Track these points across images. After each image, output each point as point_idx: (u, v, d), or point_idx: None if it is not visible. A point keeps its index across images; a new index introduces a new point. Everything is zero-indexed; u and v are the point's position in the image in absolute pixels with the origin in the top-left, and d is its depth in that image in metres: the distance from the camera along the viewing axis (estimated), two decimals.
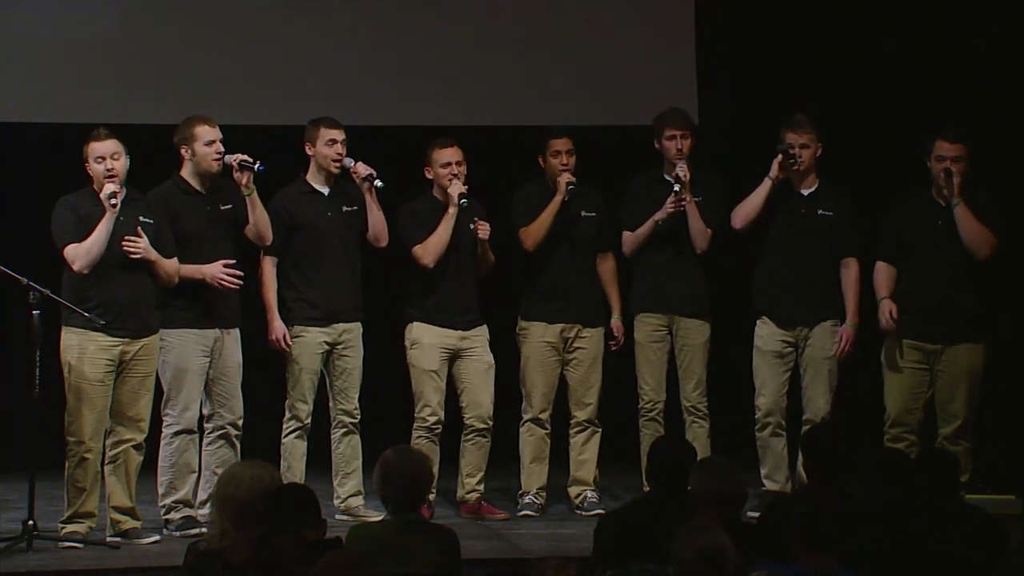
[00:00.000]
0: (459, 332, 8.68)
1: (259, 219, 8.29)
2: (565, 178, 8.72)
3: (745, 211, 8.69)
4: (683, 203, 8.70)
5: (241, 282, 8.19)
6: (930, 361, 8.44)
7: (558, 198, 8.74)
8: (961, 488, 6.01)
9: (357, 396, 8.58)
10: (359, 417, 8.58)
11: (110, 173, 7.79)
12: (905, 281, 8.51)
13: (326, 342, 8.51)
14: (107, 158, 7.82)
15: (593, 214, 8.87)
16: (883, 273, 8.55)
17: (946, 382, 8.41)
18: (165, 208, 8.08)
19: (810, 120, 8.67)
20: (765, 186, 8.63)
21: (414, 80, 10.12)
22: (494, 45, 10.26)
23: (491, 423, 8.72)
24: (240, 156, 8.17)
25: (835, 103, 9.92)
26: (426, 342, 8.65)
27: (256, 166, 8.17)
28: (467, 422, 8.72)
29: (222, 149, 8.15)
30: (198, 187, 8.20)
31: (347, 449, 8.56)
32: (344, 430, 8.56)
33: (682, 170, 8.69)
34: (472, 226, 8.68)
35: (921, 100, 10.04)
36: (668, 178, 8.79)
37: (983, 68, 10.08)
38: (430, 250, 8.60)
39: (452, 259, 8.66)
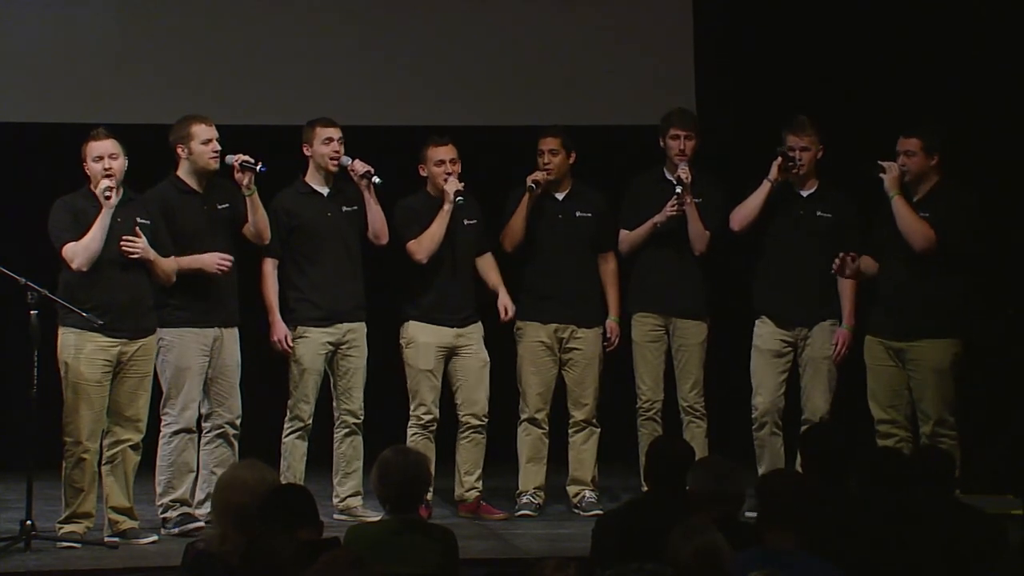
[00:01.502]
0: (455, 330, 8.69)
1: (259, 219, 8.29)
2: (531, 177, 8.73)
3: (743, 213, 8.69)
4: (683, 207, 8.70)
5: (231, 261, 8.16)
6: (899, 358, 8.42)
7: (525, 197, 8.75)
8: (956, 487, 5.99)
9: (361, 396, 8.58)
10: (363, 417, 8.58)
11: (107, 172, 7.79)
12: (879, 279, 8.53)
13: (329, 342, 8.51)
14: (105, 157, 7.82)
15: (589, 215, 8.87)
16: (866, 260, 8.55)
17: (917, 380, 8.40)
18: (162, 208, 8.09)
19: (811, 122, 8.66)
20: (764, 189, 8.64)
21: (413, 80, 10.11)
22: (493, 45, 10.26)
23: (486, 420, 8.73)
24: (242, 156, 8.17)
25: (834, 104, 9.91)
26: (422, 341, 8.65)
27: (258, 167, 8.17)
28: (462, 419, 8.73)
29: (219, 148, 8.15)
30: (195, 186, 8.20)
31: (349, 449, 8.56)
32: (347, 430, 8.56)
33: (684, 172, 8.69)
34: (466, 223, 8.68)
35: (921, 100, 10.04)
36: (669, 177, 8.80)
37: (982, 68, 10.09)
38: (424, 246, 8.61)
39: (448, 257, 8.67)
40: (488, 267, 8.85)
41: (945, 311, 8.34)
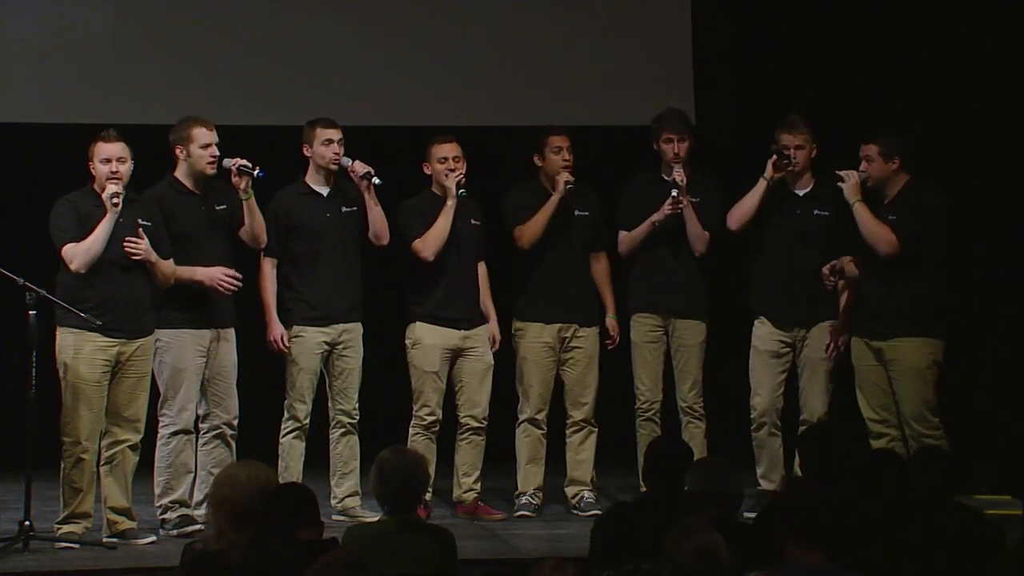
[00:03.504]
0: (461, 332, 8.68)
1: (255, 224, 8.28)
2: (564, 177, 8.71)
3: (740, 212, 8.70)
4: (680, 207, 8.70)
5: (240, 284, 8.18)
6: (881, 358, 8.43)
7: (556, 197, 8.73)
8: (956, 488, 5.99)
9: (356, 396, 8.58)
10: (358, 417, 8.58)
11: (114, 175, 7.78)
12: (859, 279, 8.55)
13: (325, 342, 8.51)
14: (113, 160, 7.81)
15: (586, 213, 8.88)
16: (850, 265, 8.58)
17: (895, 380, 8.41)
18: (160, 209, 8.08)
19: (805, 120, 8.68)
20: (760, 187, 8.65)
21: (412, 80, 10.12)
22: (491, 46, 10.27)
23: (486, 422, 8.72)
24: (239, 161, 8.15)
25: (832, 103, 9.91)
26: (428, 342, 8.65)
27: (255, 172, 8.15)
28: (462, 420, 8.73)
29: (217, 153, 8.14)
30: (193, 187, 8.19)
31: (345, 449, 8.56)
32: (343, 430, 8.56)
33: (679, 175, 8.70)
34: (472, 223, 8.67)
35: (917, 100, 10.05)
36: (666, 178, 8.80)
37: (979, 68, 10.11)
38: (430, 243, 8.60)
39: (453, 257, 8.66)
40: (482, 279, 8.83)
41: (920, 311, 8.36)
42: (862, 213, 8.37)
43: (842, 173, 8.42)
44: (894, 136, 8.45)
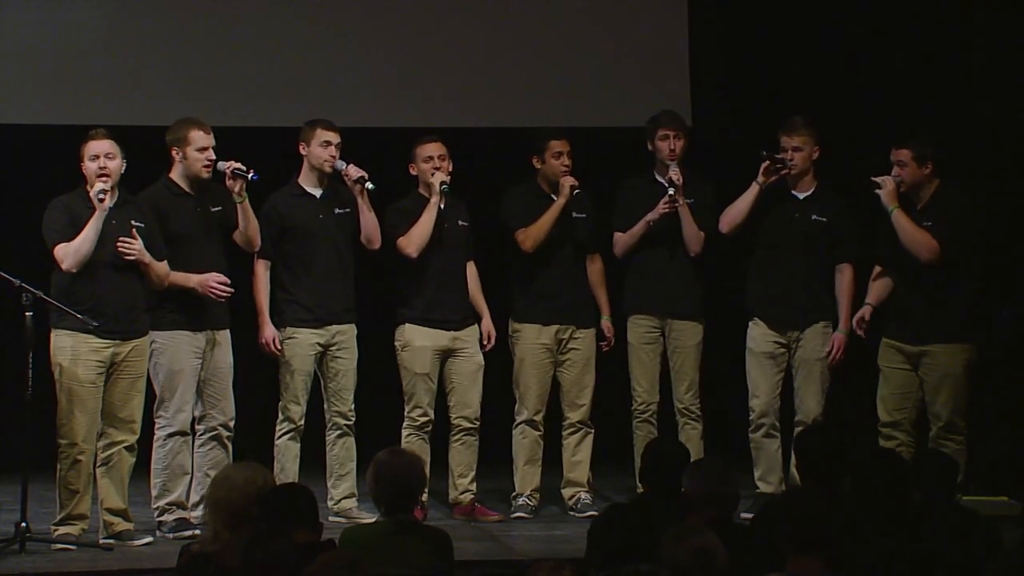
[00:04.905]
0: (451, 332, 8.68)
1: (250, 227, 8.27)
2: (569, 181, 8.70)
3: (731, 216, 8.69)
4: (676, 205, 8.70)
5: (232, 290, 8.17)
6: (914, 362, 8.42)
7: (561, 201, 8.72)
8: (956, 490, 5.98)
9: (351, 398, 8.58)
10: (353, 419, 8.58)
11: (103, 172, 7.78)
12: (894, 285, 8.53)
13: (319, 344, 8.51)
14: (101, 156, 7.80)
15: (583, 215, 8.88)
16: (874, 278, 8.57)
17: (930, 384, 8.39)
18: (155, 210, 8.07)
19: (806, 122, 8.65)
20: (752, 191, 8.63)
21: (408, 82, 10.12)
22: (487, 47, 10.26)
23: (478, 423, 8.72)
24: (234, 164, 8.15)
25: (832, 106, 9.91)
26: (418, 344, 8.64)
27: (249, 175, 8.14)
28: (454, 422, 8.72)
29: (213, 157, 8.13)
30: (188, 189, 8.19)
31: (341, 451, 8.56)
32: (338, 432, 8.56)
33: (675, 173, 8.70)
34: (460, 224, 8.65)
35: (919, 102, 10.05)
36: (661, 180, 8.80)
37: (980, 70, 10.11)
38: (413, 239, 8.58)
39: (441, 258, 8.65)
40: (472, 278, 8.83)
41: (958, 316, 8.34)
42: (901, 220, 8.31)
43: (878, 179, 8.35)
44: (927, 140, 8.39)
